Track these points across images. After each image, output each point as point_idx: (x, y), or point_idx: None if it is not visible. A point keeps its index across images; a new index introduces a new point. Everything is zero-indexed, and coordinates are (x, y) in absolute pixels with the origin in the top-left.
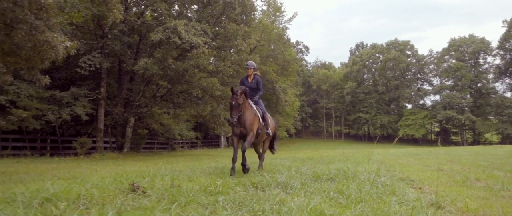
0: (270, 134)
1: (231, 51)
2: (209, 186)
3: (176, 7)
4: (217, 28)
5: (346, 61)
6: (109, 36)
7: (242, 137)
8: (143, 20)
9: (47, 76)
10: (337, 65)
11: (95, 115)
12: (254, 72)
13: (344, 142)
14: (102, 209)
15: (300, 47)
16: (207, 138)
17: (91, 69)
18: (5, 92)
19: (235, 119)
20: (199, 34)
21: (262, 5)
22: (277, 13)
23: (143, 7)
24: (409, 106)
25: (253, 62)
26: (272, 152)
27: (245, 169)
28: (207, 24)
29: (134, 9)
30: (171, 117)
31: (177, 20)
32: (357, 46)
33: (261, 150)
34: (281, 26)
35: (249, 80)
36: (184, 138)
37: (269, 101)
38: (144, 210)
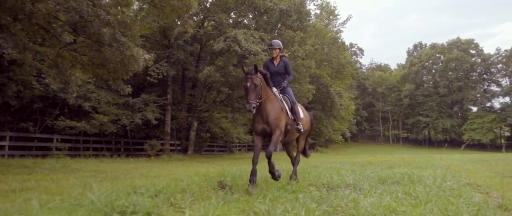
0: (302, 130)
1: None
2: (286, 185)
3: (232, 15)
4: (273, 35)
5: (403, 62)
6: (174, 46)
7: (266, 135)
8: (204, 30)
9: (128, 86)
10: (393, 66)
11: (162, 120)
12: (280, 54)
13: (403, 147)
14: (208, 200)
15: (354, 49)
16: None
17: (159, 77)
18: (89, 99)
19: (254, 105)
20: (257, 42)
21: (314, 9)
22: (331, 17)
23: (202, 17)
24: (475, 108)
25: (278, 42)
26: (305, 156)
27: (274, 177)
28: (263, 31)
29: (194, 18)
30: (229, 121)
31: (236, 29)
32: (415, 46)
33: (294, 152)
34: (335, 29)
35: (275, 63)
36: (241, 141)
37: (323, 105)
38: (243, 202)
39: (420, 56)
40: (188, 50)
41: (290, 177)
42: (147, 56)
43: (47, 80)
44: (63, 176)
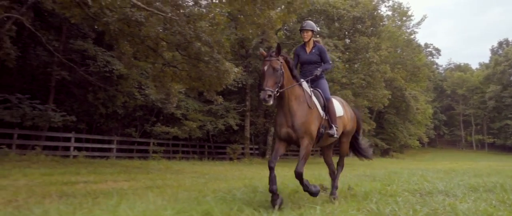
0: (336, 135)
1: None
2: (382, 190)
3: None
4: (347, 41)
5: (486, 60)
6: (252, 56)
7: (292, 142)
8: (280, 40)
9: (220, 96)
10: (474, 66)
11: (242, 125)
12: (314, 39)
13: (488, 153)
14: (320, 199)
15: (429, 49)
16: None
17: (239, 85)
18: (180, 107)
19: (269, 93)
20: (331, 49)
21: (386, 10)
22: (404, 18)
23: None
24: None
25: (311, 23)
26: (366, 157)
27: (313, 194)
28: (336, 38)
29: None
30: None
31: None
32: (500, 43)
33: (343, 152)
34: (408, 30)
35: (307, 49)
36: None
37: (398, 109)
38: (355, 202)
39: (507, 54)
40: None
41: (331, 193)
42: (236, 69)
43: (146, 91)
44: (174, 176)
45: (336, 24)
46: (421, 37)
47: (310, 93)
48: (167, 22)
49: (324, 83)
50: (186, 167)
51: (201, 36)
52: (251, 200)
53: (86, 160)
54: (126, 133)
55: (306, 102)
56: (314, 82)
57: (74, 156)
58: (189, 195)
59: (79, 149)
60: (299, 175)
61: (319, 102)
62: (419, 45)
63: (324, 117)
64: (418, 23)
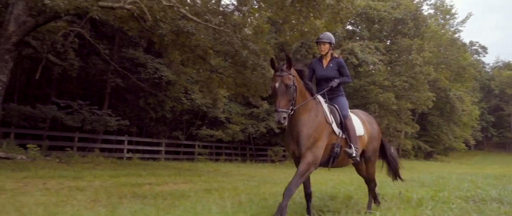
0: (355, 155)
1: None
2: (434, 196)
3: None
4: (388, 43)
5: None
6: (292, 60)
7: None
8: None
9: (265, 101)
10: None
11: (283, 128)
12: (332, 52)
13: None
14: (379, 205)
15: (475, 47)
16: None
17: None
18: (223, 111)
19: (284, 116)
20: (373, 52)
21: (427, 9)
22: (447, 16)
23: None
24: None
25: (329, 35)
26: (396, 177)
27: None
28: (377, 40)
29: None
30: None
31: (351, 41)
32: None
33: (370, 176)
34: (452, 29)
35: (324, 63)
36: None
37: (442, 111)
38: (411, 208)
39: None
40: (303, 63)
41: (368, 207)
42: None
43: (193, 96)
44: (225, 178)
45: (377, 26)
46: (466, 35)
47: (325, 107)
48: (217, 32)
49: (343, 100)
50: (232, 169)
51: (248, 45)
52: (312, 204)
53: (141, 162)
54: (173, 136)
55: (317, 116)
56: (331, 100)
57: (128, 158)
58: (250, 198)
59: (132, 151)
60: (288, 194)
61: (335, 119)
62: (464, 44)
63: (340, 135)
64: (463, 21)
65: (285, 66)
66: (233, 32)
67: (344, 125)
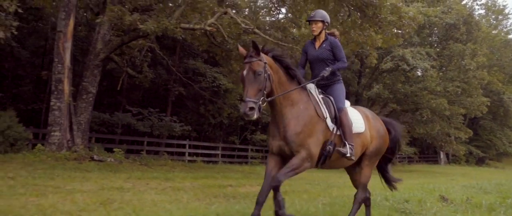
0: (349, 155)
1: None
2: (502, 202)
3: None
4: (439, 49)
5: None
6: None
7: (287, 157)
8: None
9: None
10: None
11: None
12: (326, 31)
13: None
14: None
15: None
16: (423, 153)
17: None
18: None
19: (251, 105)
20: (424, 58)
21: (478, 9)
22: (500, 17)
23: None
24: None
25: (322, 12)
26: (391, 187)
27: None
28: (428, 46)
29: None
30: None
31: (401, 47)
32: None
33: (363, 180)
34: (505, 29)
35: (317, 44)
36: (402, 153)
37: (495, 114)
38: (485, 212)
39: None
40: (350, 68)
41: None
42: None
43: None
44: (290, 182)
45: (427, 31)
46: None
47: (317, 99)
48: (279, 46)
49: (338, 89)
50: None
51: None
52: (391, 206)
53: (204, 165)
54: (229, 140)
55: (307, 109)
56: (325, 87)
57: (189, 161)
58: (331, 201)
59: (192, 154)
60: (276, 183)
61: (330, 112)
62: None
63: (334, 132)
64: None
65: (254, 51)
66: (294, 44)
67: (338, 119)
